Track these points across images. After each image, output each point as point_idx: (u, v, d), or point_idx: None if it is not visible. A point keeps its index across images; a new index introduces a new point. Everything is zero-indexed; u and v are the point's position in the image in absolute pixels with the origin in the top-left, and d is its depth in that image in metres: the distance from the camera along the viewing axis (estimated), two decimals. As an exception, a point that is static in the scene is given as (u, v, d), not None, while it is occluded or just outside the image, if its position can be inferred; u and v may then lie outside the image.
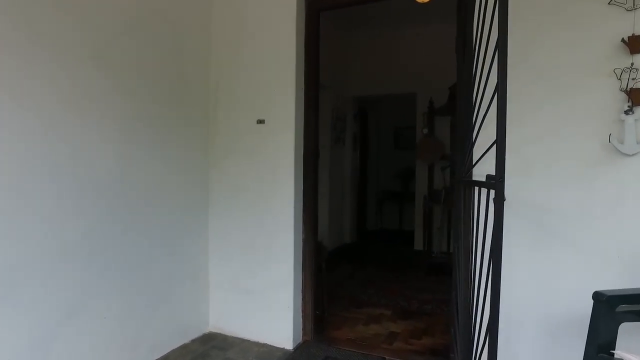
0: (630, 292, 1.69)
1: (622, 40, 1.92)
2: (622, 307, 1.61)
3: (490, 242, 1.40)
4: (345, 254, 5.85)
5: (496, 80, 1.28)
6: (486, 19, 1.56)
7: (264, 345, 2.94)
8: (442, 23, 5.40)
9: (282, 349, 2.88)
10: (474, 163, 1.92)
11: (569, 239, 2.06)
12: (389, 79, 5.80)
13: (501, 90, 1.28)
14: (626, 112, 1.91)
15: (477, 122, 1.83)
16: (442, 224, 5.36)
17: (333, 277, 4.57)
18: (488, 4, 1.57)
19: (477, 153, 1.82)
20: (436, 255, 5.28)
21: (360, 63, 6.00)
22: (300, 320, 2.98)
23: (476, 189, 2.13)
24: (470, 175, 2.22)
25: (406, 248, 6.46)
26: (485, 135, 1.57)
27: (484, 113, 1.59)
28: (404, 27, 5.64)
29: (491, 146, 1.38)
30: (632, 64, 1.91)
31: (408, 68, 5.69)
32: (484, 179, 1.65)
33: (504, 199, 1.38)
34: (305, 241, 3.00)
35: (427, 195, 5.39)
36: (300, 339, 2.97)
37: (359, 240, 6.88)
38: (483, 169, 1.70)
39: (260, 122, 2.97)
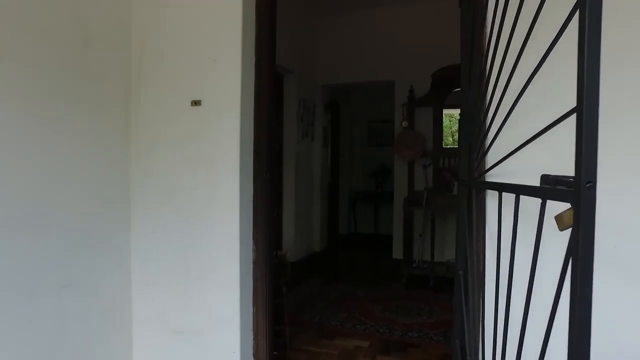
0: None
1: None
2: None
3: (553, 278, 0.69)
4: (314, 264, 5.13)
5: None
6: None
7: (201, 405, 2.17)
8: (424, 1, 4.82)
9: (225, 412, 2.12)
10: (503, 156, 1.23)
11: None
12: (363, 66, 5.11)
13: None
14: None
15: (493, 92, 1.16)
16: (424, 231, 4.72)
17: (298, 295, 3.84)
18: None
19: (500, 147, 1.15)
20: (417, 265, 4.64)
21: (330, 47, 5.28)
22: (251, 368, 2.23)
23: (489, 193, 1.46)
24: (482, 175, 1.54)
25: (383, 255, 5.81)
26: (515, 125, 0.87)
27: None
28: (380, 5, 4.97)
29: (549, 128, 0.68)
30: None
31: (385, 52, 5.03)
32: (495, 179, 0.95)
33: (592, 215, 0.68)
34: (256, 263, 2.24)
35: (407, 197, 4.74)
36: (250, 395, 2.23)
37: (330, 247, 6.17)
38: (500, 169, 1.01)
39: (196, 103, 2.19)
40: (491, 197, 1.52)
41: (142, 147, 2.31)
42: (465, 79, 1.71)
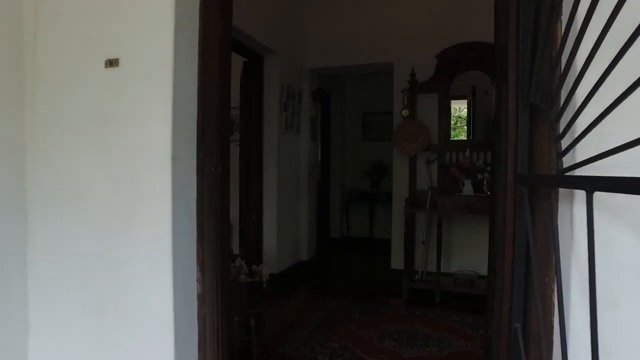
0: None
1: None
2: None
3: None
4: (300, 276, 4.44)
5: None
6: None
7: None
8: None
9: None
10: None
11: None
12: (357, 46, 4.42)
13: None
14: None
15: None
16: (428, 237, 4.06)
17: (278, 319, 3.15)
18: None
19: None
20: (420, 277, 3.97)
21: (319, 24, 4.60)
22: None
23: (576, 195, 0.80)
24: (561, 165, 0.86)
25: (380, 263, 5.14)
26: None
27: None
28: (376, -25, 4.30)
29: None
30: None
31: (382, 30, 4.35)
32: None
33: None
34: (202, 297, 1.55)
35: (408, 197, 4.07)
36: None
37: (320, 253, 5.49)
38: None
39: (112, 63, 1.50)
40: (569, 201, 0.84)
41: (40, 129, 1.61)
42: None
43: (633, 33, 0.47)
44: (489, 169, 3.66)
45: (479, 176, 3.65)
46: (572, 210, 0.82)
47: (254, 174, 4.05)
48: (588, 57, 0.60)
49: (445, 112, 4.07)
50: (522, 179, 1.03)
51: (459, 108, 4.68)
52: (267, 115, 4.10)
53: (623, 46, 0.50)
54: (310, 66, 4.66)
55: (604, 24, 0.54)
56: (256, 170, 4.05)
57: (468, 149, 3.85)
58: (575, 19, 0.67)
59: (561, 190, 0.87)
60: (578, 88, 0.67)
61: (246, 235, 4.13)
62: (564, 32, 0.71)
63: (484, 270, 3.93)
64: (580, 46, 0.63)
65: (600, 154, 0.60)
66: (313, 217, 4.89)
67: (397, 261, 4.31)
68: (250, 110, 4.04)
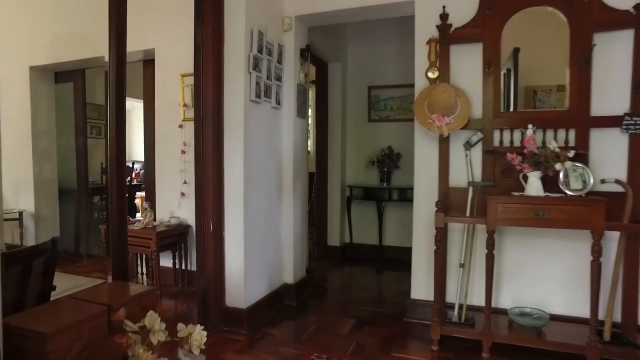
0: None
1: None
2: None
3: None
4: (275, 314, 3.15)
5: None
6: None
7: None
8: None
9: None
10: None
11: None
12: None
13: None
14: None
15: None
16: (468, 258, 2.73)
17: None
18: None
19: None
20: (460, 318, 2.66)
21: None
22: None
23: None
24: None
25: (391, 285, 3.86)
26: None
27: None
28: None
29: None
30: None
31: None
32: None
33: None
34: None
35: (439, 198, 2.74)
36: None
37: (315, 267, 4.20)
38: None
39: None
40: None
41: None
42: None
43: None
44: (570, 154, 2.33)
45: (554, 166, 2.31)
46: None
47: (210, 162, 2.74)
48: None
49: (495, 70, 2.71)
50: None
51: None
52: (229, 76, 2.77)
53: None
54: (295, 12, 3.31)
55: None
56: (212, 157, 2.74)
57: (531, 125, 2.51)
58: None
59: None
60: None
61: (201, 252, 2.83)
62: None
63: (554, 306, 2.64)
64: None
65: None
66: (301, 223, 3.57)
67: (420, 289, 2.99)
68: (206, 71, 2.72)
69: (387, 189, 4.53)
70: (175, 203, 3.80)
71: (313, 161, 5.17)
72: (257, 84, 2.87)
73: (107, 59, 2.22)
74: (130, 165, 6.57)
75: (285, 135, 3.35)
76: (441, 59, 2.82)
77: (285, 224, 3.38)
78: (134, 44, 4.08)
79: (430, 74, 2.87)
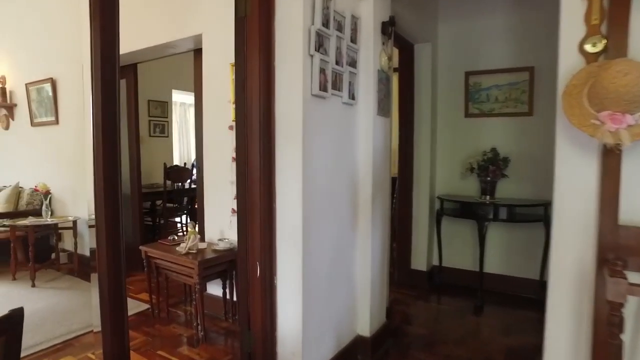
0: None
1: None
2: None
3: None
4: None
5: None
6: None
7: None
8: None
9: None
10: None
11: None
12: None
13: None
14: None
15: None
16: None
17: None
18: None
19: None
20: None
21: None
22: None
23: None
24: None
25: (499, 338, 2.86)
26: None
27: None
28: None
29: None
30: None
31: None
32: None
33: None
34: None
35: (604, 244, 1.70)
36: None
37: (395, 298, 3.31)
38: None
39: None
40: None
41: None
42: None
43: None
44: None
45: None
46: None
47: (256, 182, 1.98)
48: None
49: None
50: None
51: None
52: (282, 62, 1.97)
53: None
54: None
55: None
56: (260, 175, 1.97)
57: None
58: None
59: None
60: None
61: (245, 303, 2.10)
62: None
63: None
64: None
65: None
66: (382, 255, 2.70)
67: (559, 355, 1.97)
68: (250, 54, 1.95)
69: (492, 205, 3.48)
70: (225, 221, 3.15)
71: (394, 165, 4.25)
72: (322, 71, 2.04)
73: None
74: (190, 167, 6.15)
75: (362, 140, 2.49)
76: (613, 20, 1.76)
77: (361, 258, 2.53)
78: (180, 31, 3.31)
79: (589, 47, 1.82)
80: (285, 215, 2.01)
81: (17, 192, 4.69)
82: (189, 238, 2.94)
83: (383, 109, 2.57)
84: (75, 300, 3.47)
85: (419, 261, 4.05)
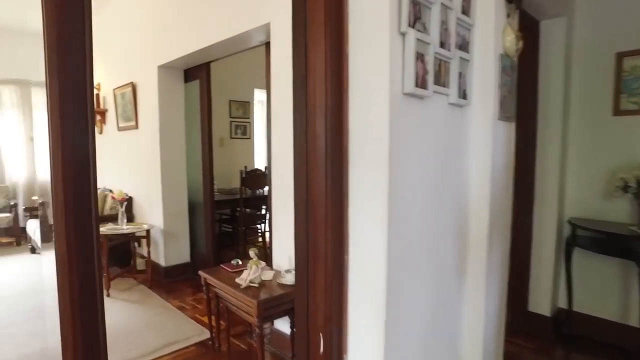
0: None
1: None
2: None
3: None
4: None
5: None
6: None
7: None
8: None
9: None
10: None
11: None
12: None
13: None
14: None
15: None
16: None
17: None
18: None
19: None
20: None
21: None
22: None
23: None
24: None
25: None
26: None
27: None
28: None
29: None
30: None
31: None
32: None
33: None
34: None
35: None
36: None
37: (508, 353, 2.51)
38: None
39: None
40: None
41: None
42: None
43: None
44: None
45: None
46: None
47: (321, 218, 1.38)
48: None
49: None
50: None
51: None
52: (359, 44, 1.34)
53: None
54: None
55: None
56: (326, 208, 1.37)
57: None
58: None
59: None
60: None
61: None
62: None
63: None
64: None
65: None
66: (499, 314, 1.93)
67: None
68: (313, 36, 1.36)
69: (657, 238, 2.47)
70: (295, 246, 2.60)
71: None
72: (420, 57, 1.37)
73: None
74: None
75: (475, 156, 1.75)
76: None
77: (469, 322, 1.81)
78: (247, 21, 2.78)
79: None
80: (362, 271, 1.38)
81: (103, 196, 4.71)
82: (250, 268, 2.46)
83: (506, 110, 1.80)
84: (141, 318, 3.23)
85: (540, 302, 3.13)
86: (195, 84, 4.09)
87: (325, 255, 1.38)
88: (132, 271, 4.27)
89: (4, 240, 5.58)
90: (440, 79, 1.51)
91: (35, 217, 5.50)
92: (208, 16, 3.20)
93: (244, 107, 6.29)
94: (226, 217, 5.56)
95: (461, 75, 1.62)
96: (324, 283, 1.39)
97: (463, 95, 1.65)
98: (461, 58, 1.60)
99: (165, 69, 4.00)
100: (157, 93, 4.02)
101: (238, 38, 3.01)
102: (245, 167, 5.28)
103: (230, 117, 6.15)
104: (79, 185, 0.95)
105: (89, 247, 1.00)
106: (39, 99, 6.02)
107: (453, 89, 1.58)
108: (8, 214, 5.52)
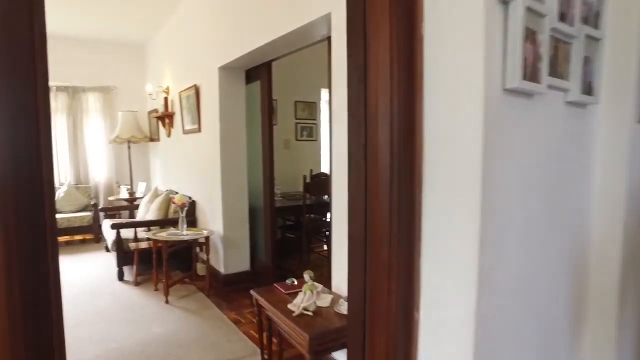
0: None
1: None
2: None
3: None
4: None
5: None
6: None
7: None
8: None
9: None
10: None
11: None
12: None
13: None
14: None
15: None
16: None
17: None
18: None
19: None
20: None
21: None
22: None
23: None
24: None
25: None
26: None
27: None
28: None
29: None
30: None
31: None
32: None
33: None
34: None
35: None
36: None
37: None
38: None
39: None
40: None
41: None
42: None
43: None
44: None
45: None
46: None
47: (383, 265, 1.01)
48: None
49: None
50: None
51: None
52: (436, 17, 0.95)
53: None
54: None
55: None
56: (391, 252, 0.99)
57: None
58: None
59: None
60: None
61: None
62: None
63: None
64: None
65: None
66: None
67: None
68: (373, 14, 0.99)
69: None
70: (356, 270, 2.24)
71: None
72: (531, 35, 0.94)
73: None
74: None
75: (603, 173, 1.26)
76: None
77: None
78: (307, 12, 2.48)
79: None
80: (437, 336, 0.99)
81: (168, 199, 4.72)
82: (304, 294, 2.15)
83: (651, 108, 1.28)
84: (195, 330, 3.08)
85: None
86: (257, 85, 3.89)
87: (387, 312, 1.01)
88: (193, 276, 4.20)
89: (86, 237, 5.90)
90: (557, 68, 1.06)
91: (112, 216, 5.75)
92: (266, 12, 2.96)
93: (310, 108, 6.04)
94: (290, 224, 5.35)
95: (587, 62, 1.15)
96: (384, 348, 1.02)
97: (588, 89, 1.18)
98: (587, 36, 1.14)
99: (225, 70, 3.85)
100: (218, 95, 3.89)
101: (298, 32, 2.72)
102: (311, 170, 5.02)
103: (296, 119, 5.93)
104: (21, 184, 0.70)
105: (36, 253, 0.74)
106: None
107: (574, 82, 1.12)
108: (88, 213, 5.80)
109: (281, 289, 2.47)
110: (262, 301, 2.37)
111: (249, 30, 3.22)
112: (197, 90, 4.32)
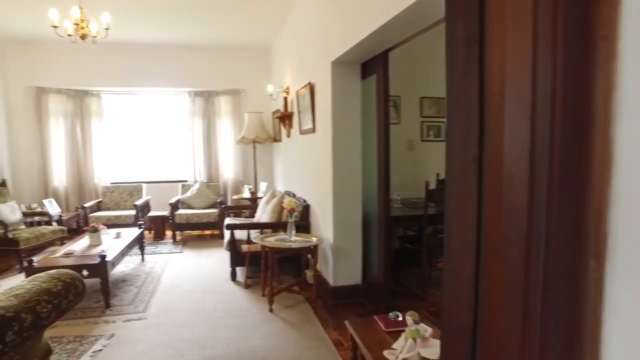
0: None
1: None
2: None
3: None
4: None
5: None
6: None
7: None
8: None
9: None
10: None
11: None
12: None
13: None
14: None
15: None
16: None
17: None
18: None
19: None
20: None
21: None
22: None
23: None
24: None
25: None
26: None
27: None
28: None
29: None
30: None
31: None
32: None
33: None
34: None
35: None
36: None
37: None
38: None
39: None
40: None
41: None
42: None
43: None
44: None
45: None
46: None
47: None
48: None
49: None
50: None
51: None
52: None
53: None
54: None
55: None
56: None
57: None
58: None
59: None
60: None
61: None
62: None
63: None
64: None
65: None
66: None
67: None
68: None
69: None
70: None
71: None
72: None
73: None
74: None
75: None
76: None
77: None
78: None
79: None
80: None
81: (281, 200, 4.62)
82: (405, 342, 1.66)
83: None
84: (292, 349, 2.81)
85: None
86: (373, 80, 3.47)
87: None
88: (302, 284, 3.99)
89: (214, 232, 6.25)
90: None
91: (236, 215, 5.97)
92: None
93: (438, 105, 5.36)
94: (412, 234, 4.80)
95: None
96: None
97: None
98: None
99: (339, 65, 3.52)
100: (331, 91, 3.58)
101: (412, 10, 2.22)
102: (437, 175, 4.39)
103: (422, 117, 5.32)
104: None
105: None
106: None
107: None
108: (215, 210, 6.12)
109: (381, 324, 2.02)
110: (357, 338, 1.96)
111: (360, 15, 2.82)
112: (311, 88, 4.10)
